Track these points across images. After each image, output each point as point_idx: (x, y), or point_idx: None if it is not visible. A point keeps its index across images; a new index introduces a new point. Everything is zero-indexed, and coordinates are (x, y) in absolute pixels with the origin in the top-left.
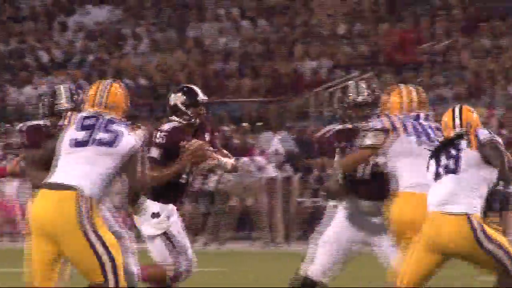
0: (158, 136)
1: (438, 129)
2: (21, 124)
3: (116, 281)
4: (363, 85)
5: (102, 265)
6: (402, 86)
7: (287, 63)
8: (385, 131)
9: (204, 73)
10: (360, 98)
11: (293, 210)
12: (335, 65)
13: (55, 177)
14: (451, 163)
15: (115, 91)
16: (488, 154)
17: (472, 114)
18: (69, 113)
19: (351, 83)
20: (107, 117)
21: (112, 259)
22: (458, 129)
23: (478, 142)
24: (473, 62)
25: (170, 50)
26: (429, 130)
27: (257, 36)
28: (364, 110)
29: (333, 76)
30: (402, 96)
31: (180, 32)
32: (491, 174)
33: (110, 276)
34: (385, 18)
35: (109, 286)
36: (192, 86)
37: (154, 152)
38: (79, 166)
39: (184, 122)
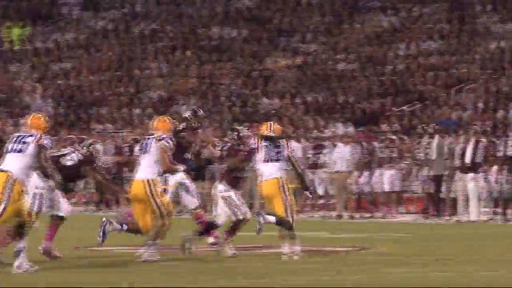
0: None
1: None
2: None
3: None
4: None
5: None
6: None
7: None
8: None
9: None
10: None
11: None
12: None
13: None
14: (275, 154)
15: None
16: (293, 160)
17: (279, 128)
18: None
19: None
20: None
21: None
22: (271, 133)
23: (291, 150)
24: None
25: None
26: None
27: None
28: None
29: None
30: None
31: None
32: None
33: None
34: None
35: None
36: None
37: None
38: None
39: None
